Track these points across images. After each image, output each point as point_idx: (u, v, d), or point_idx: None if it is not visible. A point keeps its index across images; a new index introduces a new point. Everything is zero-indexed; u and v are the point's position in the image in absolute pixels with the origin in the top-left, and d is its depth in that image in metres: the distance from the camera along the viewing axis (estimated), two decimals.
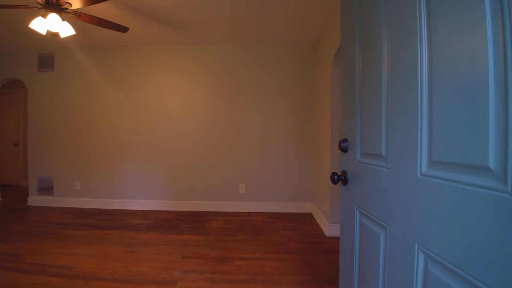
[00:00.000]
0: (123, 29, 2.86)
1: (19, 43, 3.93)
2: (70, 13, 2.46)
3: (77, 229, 3.14)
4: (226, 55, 3.89)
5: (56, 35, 2.98)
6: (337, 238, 3.10)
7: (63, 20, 2.45)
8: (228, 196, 3.83)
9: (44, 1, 2.25)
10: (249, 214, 3.69)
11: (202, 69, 3.92)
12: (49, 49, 4.18)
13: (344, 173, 1.09)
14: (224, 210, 3.80)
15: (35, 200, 4.27)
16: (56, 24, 2.33)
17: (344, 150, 1.09)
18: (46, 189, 4.26)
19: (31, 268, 2.18)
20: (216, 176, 3.85)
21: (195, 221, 3.41)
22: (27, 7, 2.30)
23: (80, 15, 2.54)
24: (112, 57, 4.09)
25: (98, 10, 2.84)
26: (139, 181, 4.01)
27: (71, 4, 2.31)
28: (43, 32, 2.41)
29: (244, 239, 2.82)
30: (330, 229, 2.91)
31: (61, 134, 4.21)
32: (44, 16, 2.30)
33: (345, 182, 1.08)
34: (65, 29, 2.47)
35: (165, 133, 3.96)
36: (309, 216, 3.63)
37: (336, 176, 1.08)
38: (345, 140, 1.09)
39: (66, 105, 4.20)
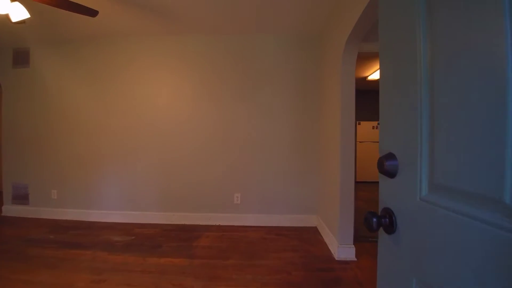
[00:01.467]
0: (92, 13, 2.41)
1: None
2: None
3: (45, 247, 2.70)
4: (216, 46, 3.43)
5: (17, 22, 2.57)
6: (349, 262, 2.69)
7: (14, 1, 2.01)
8: (222, 207, 3.37)
9: None
10: (245, 228, 3.23)
11: (187, 64, 3.46)
12: (24, 43, 3.75)
13: (389, 213, 0.63)
14: (217, 224, 3.34)
15: (9, 210, 3.85)
16: (3, 4, 1.89)
17: (389, 173, 0.62)
18: (21, 197, 3.84)
19: None
20: (207, 184, 3.39)
21: (182, 238, 2.96)
22: None
23: None
24: (86, 51, 3.64)
25: None
26: (121, 190, 3.56)
27: None
28: None
29: (237, 263, 2.36)
30: (340, 251, 2.44)
31: (38, 137, 3.77)
32: None
33: (390, 229, 0.62)
34: (17, 11, 2.03)
35: (148, 136, 3.50)
36: (313, 231, 3.16)
37: (375, 219, 0.62)
38: (390, 157, 0.62)
39: (43, 105, 3.77)
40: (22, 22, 2.62)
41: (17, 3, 2.02)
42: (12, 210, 3.84)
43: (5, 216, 3.81)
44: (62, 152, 3.71)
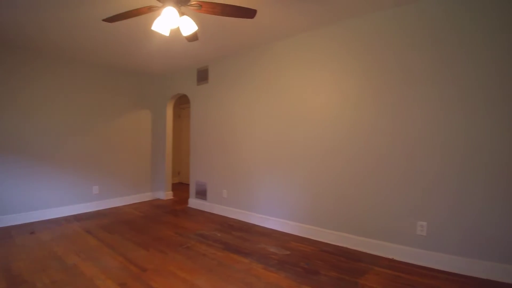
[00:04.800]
0: (251, 13, 2.28)
1: (184, 61, 4.33)
2: (189, 5, 2.13)
3: (211, 245, 2.88)
4: (393, 25, 2.62)
5: (190, 39, 2.87)
6: None
7: (182, 15, 2.15)
8: (398, 236, 2.51)
9: None
10: (433, 273, 2.24)
11: (351, 55, 2.83)
12: (205, 62, 4.39)
13: None
14: (390, 257, 2.52)
15: (193, 202, 4.62)
16: (175, 19, 2.02)
17: None
18: (201, 193, 4.50)
19: None
20: (379, 203, 2.64)
21: (343, 267, 2.38)
22: (149, 8, 2.12)
23: (201, 6, 2.16)
24: (246, 60, 3.76)
25: None
26: (279, 198, 3.42)
27: None
28: (166, 33, 2.18)
29: None
30: None
31: (213, 142, 4.32)
32: (161, 11, 2.07)
33: None
34: (186, 25, 2.15)
35: (307, 142, 3.16)
36: None
37: None
38: None
39: (217, 114, 4.27)
40: (196, 38, 2.92)
41: (185, 17, 2.14)
42: (195, 203, 4.59)
43: (190, 207, 4.59)
44: (232, 156, 4.03)
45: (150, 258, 2.57)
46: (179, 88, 4.95)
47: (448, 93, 2.28)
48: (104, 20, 2.35)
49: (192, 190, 4.66)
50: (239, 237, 3.13)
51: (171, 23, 2.04)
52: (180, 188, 6.33)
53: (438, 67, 2.33)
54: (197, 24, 2.62)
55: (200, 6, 2.16)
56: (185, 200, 5.02)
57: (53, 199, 3.97)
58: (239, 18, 2.57)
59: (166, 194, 5.17)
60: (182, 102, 7.02)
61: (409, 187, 2.45)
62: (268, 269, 2.34)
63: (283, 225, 3.33)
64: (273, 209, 3.46)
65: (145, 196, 5.14)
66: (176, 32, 3.09)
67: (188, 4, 2.14)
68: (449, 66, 2.28)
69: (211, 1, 2.48)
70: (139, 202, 4.94)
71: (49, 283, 2.10)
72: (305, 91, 3.18)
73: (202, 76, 4.51)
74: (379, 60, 2.64)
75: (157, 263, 2.46)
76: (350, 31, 2.83)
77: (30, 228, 3.45)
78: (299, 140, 3.21)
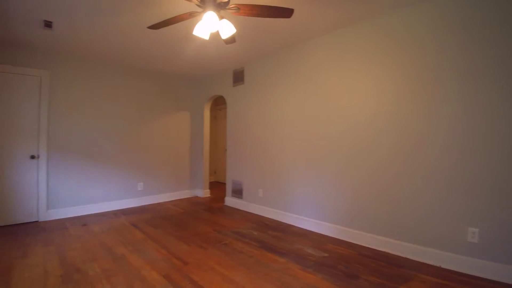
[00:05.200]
0: (288, 13, 2.29)
1: (220, 64, 4.46)
2: (228, 8, 2.20)
3: (248, 243, 2.93)
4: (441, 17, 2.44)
5: (228, 42, 2.94)
6: None
7: (222, 18, 2.21)
8: (446, 243, 2.33)
9: (199, 0, 2.07)
10: (481, 282, 2.05)
11: (388, 52, 2.69)
12: (240, 64, 4.48)
13: None
14: (437, 265, 2.36)
15: (229, 201, 4.73)
16: (215, 23, 2.09)
17: None
18: (237, 192, 4.59)
19: (187, 287, 2.03)
20: (425, 206, 2.48)
21: (384, 273, 2.28)
22: (191, 14, 2.21)
23: (239, 8, 2.21)
24: (281, 59, 3.75)
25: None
26: (316, 198, 3.37)
27: None
28: (206, 37, 2.27)
29: None
30: None
31: (248, 142, 4.38)
32: (201, 16, 2.16)
33: None
34: (225, 28, 2.22)
35: (343, 141, 3.07)
36: None
37: None
38: None
39: (252, 114, 4.33)
40: (233, 41, 2.99)
41: (224, 20, 2.21)
42: (231, 201, 4.69)
43: (226, 205, 4.70)
44: (267, 155, 4.06)
45: (191, 253, 2.69)
46: (215, 89, 5.10)
47: (495, 92, 2.07)
48: (149, 27, 2.51)
49: (229, 188, 4.77)
50: (275, 237, 3.14)
51: (211, 27, 2.11)
52: (216, 186, 6.52)
53: (484, 65, 2.12)
54: (234, 26, 2.68)
55: (238, 8, 2.21)
56: (222, 198, 5.16)
57: (103, 194, 4.33)
58: (275, 18, 2.59)
59: (204, 192, 5.36)
60: (218, 103, 7.22)
61: (460, 190, 2.26)
62: (305, 270, 2.32)
63: (319, 226, 3.28)
64: (309, 210, 3.42)
65: (184, 194, 5.38)
66: (213, 36, 3.20)
67: (227, 7, 2.20)
68: (496, 64, 2.06)
69: (248, 3, 2.53)
70: (179, 199, 5.18)
71: (100, 272, 2.29)
72: (339, 88, 3.09)
73: (238, 77, 4.60)
74: (417, 56, 2.47)
75: (198, 258, 2.56)
76: (385, 27, 2.70)
77: (82, 221, 3.79)
78: (335, 139, 3.13)
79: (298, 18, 2.86)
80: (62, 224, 3.64)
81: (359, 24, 2.94)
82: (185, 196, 5.38)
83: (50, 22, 2.92)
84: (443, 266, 2.32)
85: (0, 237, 3.10)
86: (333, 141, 3.17)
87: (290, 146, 3.67)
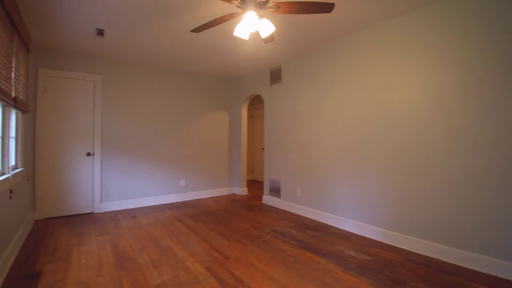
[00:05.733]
0: (329, 8, 2.23)
1: (258, 63, 4.50)
2: (268, 7, 2.20)
3: (286, 242, 2.93)
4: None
5: (267, 40, 2.95)
6: None
7: (261, 17, 2.23)
8: (504, 251, 2.10)
9: (240, 1, 2.10)
10: None
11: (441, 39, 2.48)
12: (277, 62, 4.48)
13: None
14: (492, 274, 2.14)
15: (267, 199, 4.75)
16: (255, 23, 2.12)
17: None
18: (275, 191, 4.60)
19: (229, 281, 2.08)
20: (482, 210, 2.26)
21: (434, 281, 2.12)
22: (231, 15, 2.26)
23: (279, 7, 2.21)
24: (323, 55, 3.66)
25: None
26: (357, 199, 3.25)
27: None
28: (246, 37, 2.30)
29: None
30: None
31: (286, 141, 4.37)
32: (241, 17, 2.19)
33: None
34: (265, 27, 2.23)
35: (388, 139, 2.91)
36: None
37: None
38: None
39: (290, 113, 4.30)
40: (272, 39, 3.00)
41: (264, 19, 2.22)
42: (268, 199, 4.71)
43: (264, 203, 4.73)
44: (305, 154, 4.02)
45: (231, 248, 2.76)
46: (253, 89, 5.15)
47: None
48: (192, 30, 2.62)
49: (266, 187, 4.80)
50: (314, 237, 3.09)
51: (251, 27, 2.14)
52: (254, 185, 6.59)
53: None
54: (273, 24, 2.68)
55: (277, 7, 2.21)
56: (259, 197, 5.21)
57: (150, 189, 4.63)
58: (313, 15, 2.54)
59: (241, 190, 5.46)
60: (255, 103, 7.29)
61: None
62: (347, 272, 2.25)
63: (361, 228, 3.15)
64: (349, 211, 3.31)
65: (223, 191, 5.53)
66: (251, 36, 3.23)
67: (267, 6, 2.21)
68: None
69: (287, 0, 2.51)
70: (218, 196, 5.34)
71: (148, 261, 2.45)
72: (381, 84, 2.93)
73: (275, 76, 4.59)
74: (468, 51, 2.25)
75: (238, 253, 2.62)
76: (429, 20, 2.49)
77: (132, 213, 4.09)
78: (377, 136, 2.98)
79: (338, 12, 2.77)
80: (114, 215, 3.96)
81: (402, 17, 2.76)
82: (224, 193, 5.53)
83: (102, 30, 3.19)
84: (499, 276, 2.09)
85: (61, 226, 3.47)
86: (374, 139, 3.02)
87: (329, 144, 3.58)
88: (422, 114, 2.62)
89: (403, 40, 2.77)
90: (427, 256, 2.54)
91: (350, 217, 3.30)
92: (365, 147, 3.13)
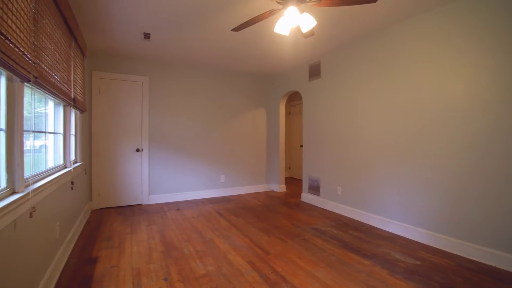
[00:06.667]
0: None
1: (296, 59, 4.45)
2: (309, 1, 2.16)
3: (328, 241, 2.87)
4: None
5: (307, 35, 2.90)
6: None
7: (302, 12, 2.19)
8: None
9: None
10: None
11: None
12: (316, 57, 4.38)
13: None
14: None
15: (306, 197, 4.69)
16: (295, 18, 2.10)
17: None
18: (314, 189, 4.53)
19: (270, 276, 2.11)
20: None
21: None
22: (271, 12, 2.26)
23: (320, 0, 2.16)
24: (364, 49, 3.48)
25: None
26: (404, 200, 3.06)
27: None
28: (287, 33, 2.29)
29: None
30: None
31: (326, 138, 4.27)
32: (281, 13, 2.17)
33: None
34: (306, 21, 2.19)
35: (437, 136, 2.69)
36: None
37: None
38: None
39: (329, 109, 4.19)
40: (312, 34, 2.94)
41: (305, 13, 2.18)
42: (307, 197, 4.65)
43: (302, 201, 4.68)
44: (346, 151, 3.89)
45: (272, 244, 2.78)
46: (291, 85, 5.10)
47: None
48: (233, 29, 2.66)
49: (305, 185, 4.74)
50: (356, 237, 2.99)
51: (292, 22, 2.12)
52: (291, 182, 6.55)
53: None
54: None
55: (319, 0, 2.16)
56: (297, 194, 5.17)
57: (192, 184, 4.85)
58: (352, 6, 2.42)
59: (279, 187, 5.46)
60: (292, 100, 7.22)
61: None
62: (394, 276, 2.14)
63: (409, 231, 2.96)
64: (395, 212, 3.13)
65: (261, 187, 5.59)
66: (290, 31, 3.19)
67: (308, 0, 2.17)
68: None
69: None
70: (256, 192, 5.41)
71: (193, 252, 2.58)
72: (430, 77, 2.70)
73: (314, 71, 4.50)
74: None
75: (278, 249, 2.64)
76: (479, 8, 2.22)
77: (176, 206, 4.32)
78: (425, 132, 2.77)
79: (383, 1, 2.61)
80: (161, 208, 4.22)
81: (447, 4, 2.51)
82: (262, 190, 5.58)
83: (149, 34, 3.39)
84: None
85: (114, 216, 3.79)
86: (421, 135, 2.81)
87: (372, 141, 3.42)
88: (474, 112, 2.37)
89: (456, 30, 2.53)
90: (483, 263, 2.31)
91: (396, 218, 3.12)
92: (412, 144, 2.93)
